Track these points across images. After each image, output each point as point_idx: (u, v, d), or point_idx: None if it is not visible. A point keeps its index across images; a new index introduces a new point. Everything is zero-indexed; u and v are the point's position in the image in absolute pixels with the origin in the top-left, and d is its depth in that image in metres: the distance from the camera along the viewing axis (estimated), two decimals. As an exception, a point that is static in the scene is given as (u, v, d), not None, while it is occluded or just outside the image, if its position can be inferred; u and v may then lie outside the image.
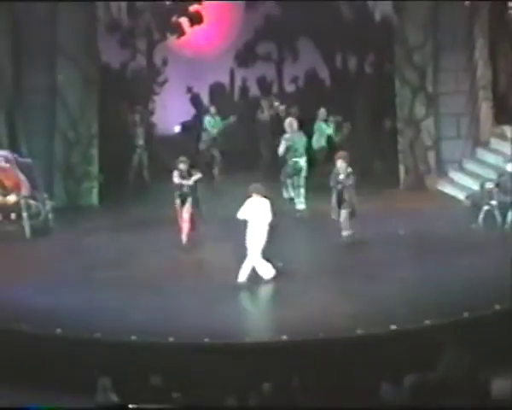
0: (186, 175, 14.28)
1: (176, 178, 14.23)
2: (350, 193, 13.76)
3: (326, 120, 18.79)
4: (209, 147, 19.07)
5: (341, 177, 13.81)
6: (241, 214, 12.46)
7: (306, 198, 15.84)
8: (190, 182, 14.23)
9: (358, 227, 13.81)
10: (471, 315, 10.69)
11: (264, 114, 19.84)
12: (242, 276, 12.34)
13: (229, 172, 18.45)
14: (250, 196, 12.51)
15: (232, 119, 19.10)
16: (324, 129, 18.68)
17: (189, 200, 14.23)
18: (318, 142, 18.49)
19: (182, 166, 14.30)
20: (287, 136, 16.13)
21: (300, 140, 16.23)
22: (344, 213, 13.73)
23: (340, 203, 13.80)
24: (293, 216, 15.59)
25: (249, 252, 12.34)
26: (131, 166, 18.95)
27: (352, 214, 13.78)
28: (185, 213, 14.18)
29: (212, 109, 19.65)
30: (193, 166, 14.59)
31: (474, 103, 18.07)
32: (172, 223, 14.50)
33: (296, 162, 15.99)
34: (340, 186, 13.80)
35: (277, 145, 16.49)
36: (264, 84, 22.18)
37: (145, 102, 21.21)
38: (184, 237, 14.19)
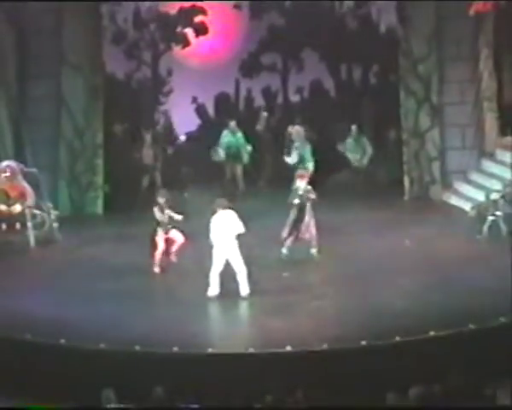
0: (165, 208, 13.58)
1: (157, 214, 13.59)
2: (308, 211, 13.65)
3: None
4: (228, 162, 18.43)
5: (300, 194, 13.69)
6: (212, 236, 12.34)
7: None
8: (166, 219, 13.49)
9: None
10: (476, 327, 10.65)
11: (259, 126, 19.84)
12: (244, 289, 12.35)
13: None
14: (215, 212, 12.48)
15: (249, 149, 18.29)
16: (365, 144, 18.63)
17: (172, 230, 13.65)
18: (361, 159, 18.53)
19: (160, 199, 13.69)
20: (297, 144, 16.29)
21: (308, 147, 16.61)
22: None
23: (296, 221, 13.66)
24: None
25: (234, 266, 12.31)
26: (140, 188, 18.43)
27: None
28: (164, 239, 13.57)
29: (233, 124, 18.70)
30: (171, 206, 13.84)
31: (479, 114, 18.06)
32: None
33: (306, 169, 16.01)
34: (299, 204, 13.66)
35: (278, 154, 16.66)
36: (269, 94, 22.21)
37: (150, 112, 21.27)
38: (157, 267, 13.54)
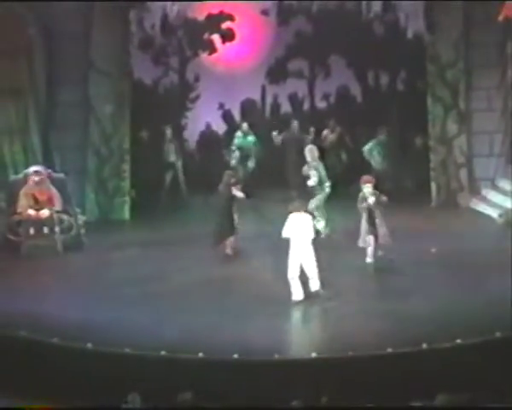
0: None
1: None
2: (379, 218, 13.40)
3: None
4: (241, 163, 18.84)
5: (370, 201, 13.41)
6: (285, 232, 12.33)
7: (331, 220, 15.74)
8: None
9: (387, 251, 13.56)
10: (503, 335, 10.57)
11: (288, 134, 19.38)
12: (297, 294, 12.32)
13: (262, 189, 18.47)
14: (291, 213, 12.43)
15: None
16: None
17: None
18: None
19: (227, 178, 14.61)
20: (314, 164, 15.53)
21: (322, 166, 15.72)
22: (371, 239, 13.41)
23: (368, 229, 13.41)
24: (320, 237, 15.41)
25: (307, 271, 12.30)
26: (164, 186, 18.92)
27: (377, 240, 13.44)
28: None
29: (245, 126, 19.42)
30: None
31: (507, 121, 17.95)
32: (205, 239, 14.56)
33: (324, 190, 15.55)
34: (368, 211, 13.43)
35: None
36: (296, 100, 22.23)
37: (177, 117, 21.37)
38: (229, 249, 14.40)
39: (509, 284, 12.17)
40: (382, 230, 13.33)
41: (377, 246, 13.41)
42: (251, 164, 18.86)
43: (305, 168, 15.61)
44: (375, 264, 13.37)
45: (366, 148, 18.98)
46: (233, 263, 14.29)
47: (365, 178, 13.88)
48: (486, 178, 17.95)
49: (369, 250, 13.43)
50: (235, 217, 14.52)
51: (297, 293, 12.28)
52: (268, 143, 19.25)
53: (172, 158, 18.99)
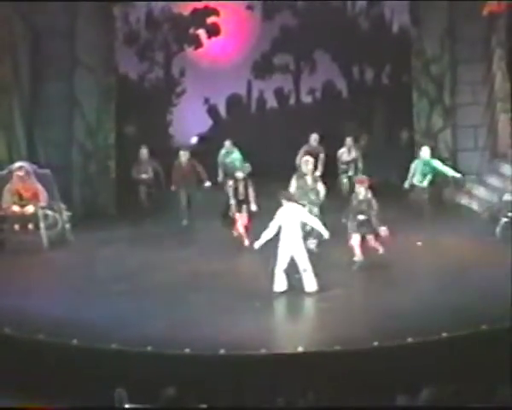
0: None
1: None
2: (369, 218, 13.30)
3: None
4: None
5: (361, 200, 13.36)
6: (275, 223, 12.29)
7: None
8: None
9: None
10: (489, 328, 10.61)
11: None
12: (279, 286, 12.30)
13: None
14: (282, 201, 12.45)
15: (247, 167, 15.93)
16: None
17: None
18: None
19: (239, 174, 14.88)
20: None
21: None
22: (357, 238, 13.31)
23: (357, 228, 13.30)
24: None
25: (299, 263, 12.28)
26: (139, 199, 17.79)
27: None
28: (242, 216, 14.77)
29: (227, 144, 18.31)
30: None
31: (491, 115, 18.01)
32: (191, 233, 14.59)
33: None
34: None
35: None
36: (282, 95, 22.23)
37: (163, 113, 21.33)
38: (246, 240, 14.50)
39: (495, 277, 12.23)
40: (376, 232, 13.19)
41: (366, 245, 13.31)
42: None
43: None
44: (361, 263, 13.29)
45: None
46: (219, 258, 14.28)
47: (360, 178, 13.87)
48: (471, 173, 18.00)
49: (356, 249, 13.31)
50: (250, 191, 14.79)
51: (279, 284, 12.26)
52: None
53: (148, 175, 17.66)
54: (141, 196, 17.75)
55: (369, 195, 13.42)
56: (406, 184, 16.38)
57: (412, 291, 12.25)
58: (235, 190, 14.89)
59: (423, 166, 16.30)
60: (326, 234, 12.62)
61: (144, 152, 17.62)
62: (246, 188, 14.87)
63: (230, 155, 18.10)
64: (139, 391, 8.99)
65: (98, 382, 9.83)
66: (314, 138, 17.90)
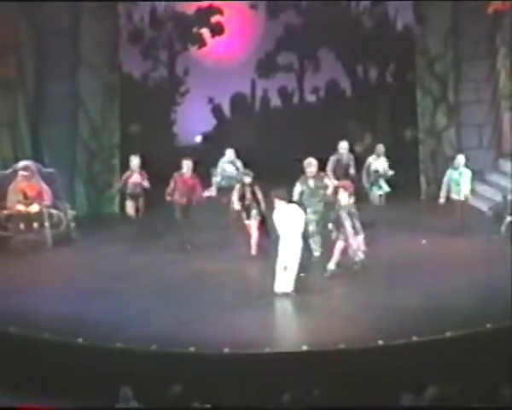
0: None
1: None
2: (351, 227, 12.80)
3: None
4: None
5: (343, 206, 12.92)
6: (280, 227, 12.19)
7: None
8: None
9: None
10: (493, 327, 10.61)
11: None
12: (280, 286, 12.27)
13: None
14: (275, 199, 12.35)
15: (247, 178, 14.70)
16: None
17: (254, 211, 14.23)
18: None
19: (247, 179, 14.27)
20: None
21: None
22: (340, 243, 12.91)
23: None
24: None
25: (279, 259, 12.24)
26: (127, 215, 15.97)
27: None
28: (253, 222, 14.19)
29: (229, 153, 16.56)
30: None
31: (496, 114, 18.00)
32: (196, 232, 14.59)
33: None
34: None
35: None
36: (286, 94, 22.22)
37: (167, 113, 21.32)
38: (254, 248, 14.12)
39: (500, 276, 12.22)
40: (355, 241, 12.80)
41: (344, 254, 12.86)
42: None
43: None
44: (334, 271, 12.98)
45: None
46: (224, 257, 14.29)
47: (344, 183, 13.46)
48: (476, 171, 17.95)
49: (334, 256, 12.97)
50: (259, 195, 14.11)
51: (281, 284, 12.26)
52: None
53: (137, 189, 15.60)
54: (127, 212, 15.73)
55: (352, 200, 13.04)
56: (442, 200, 14.98)
57: (417, 290, 12.24)
58: (242, 195, 14.29)
59: (459, 177, 14.92)
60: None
61: (135, 162, 15.59)
62: (253, 193, 14.24)
63: (232, 164, 16.46)
64: (144, 389, 9.01)
65: (103, 380, 9.85)
66: (342, 146, 16.02)
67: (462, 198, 14.88)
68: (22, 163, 16.04)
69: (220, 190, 16.35)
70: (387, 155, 16.63)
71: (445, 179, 15.12)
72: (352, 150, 16.61)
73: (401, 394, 8.45)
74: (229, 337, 10.61)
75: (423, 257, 13.86)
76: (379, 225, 14.29)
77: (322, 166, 14.31)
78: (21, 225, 15.45)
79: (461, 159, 15.08)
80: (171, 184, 14.79)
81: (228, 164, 16.57)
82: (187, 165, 14.79)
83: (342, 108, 21.50)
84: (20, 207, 15.53)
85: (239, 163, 16.43)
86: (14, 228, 15.42)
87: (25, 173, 15.70)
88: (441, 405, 8.08)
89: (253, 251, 14.10)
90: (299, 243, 12.31)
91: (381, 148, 16.23)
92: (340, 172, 15.73)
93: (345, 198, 12.95)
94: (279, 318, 12.11)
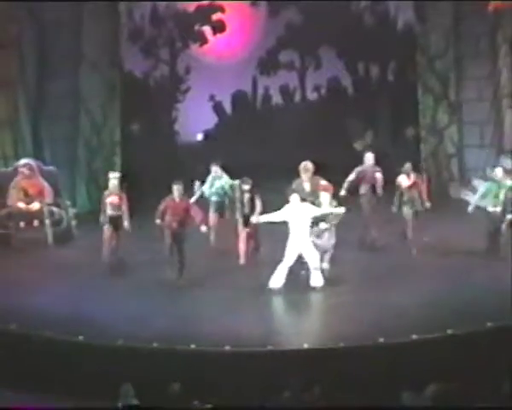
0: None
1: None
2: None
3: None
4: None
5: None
6: (279, 213, 12.21)
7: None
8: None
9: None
10: (493, 325, 10.60)
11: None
12: (275, 281, 12.28)
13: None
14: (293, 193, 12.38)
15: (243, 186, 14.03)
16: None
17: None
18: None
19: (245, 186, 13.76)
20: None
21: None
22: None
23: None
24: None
25: (308, 259, 12.24)
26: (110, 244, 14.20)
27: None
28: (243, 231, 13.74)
29: (214, 169, 14.97)
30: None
31: (497, 111, 17.98)
32: (196, 231, 14.54)
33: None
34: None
35: None
36: (287, 92, 22.22)
37: (169, 111, 21.30)
38: (242, 258, 13.74)
39: (501, 274, 12.21)
40: (330, 250, 12.75)
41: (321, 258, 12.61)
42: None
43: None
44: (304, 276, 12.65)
45: None
46: (224, 255, 14.27)
47: (324, 185, 13.15)
48: (477, 169, 17.97)
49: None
50: (258, 203, 13.55)
51: (276, 280, 12.25)
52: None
53: (115, 212, 14.01)
54: (104, 240, 13.88)
55: (334, 203, 12.85)
56: (470, 209, 14.03)
57: (417, 288, 12.24)
58: (241, 203, 13.78)
59: (497, 190, 13.89)
60: (342, 210, 12.50)
61: (114, 181, 14.11)
62: (252, 200, 13.68)
63: (218, 180, 14.95)
64: (145, 386, 9.01)
65: (104, 378, 9.86)
66: (368, 158, 14.90)
67: (499, 210, 14.01)
68: (23, 161, 16.06)
69: (216, 210, 14.96)
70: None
71: (483, 190, 14.35)
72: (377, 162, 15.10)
73: (401, 392, 8.45)
74: (230, 335, 10.61)
75: (424, 254, 13.85)
76: (380, 224, 14.28)
77: (318, 169, 13.90)
78: (22, 223, 15.47)
79: (499, 172, 14.14)
80: (162, 206, 13.35)
81: (216, 180, 15.06)
82: (178, 189, 13.22)
83: (343, 105, 21.49)
84: (21, 205, 15.54)
85: (226, 178, 15.00)
86: (14, 226, 15.42)
87: (26, 171, 15.71)
88: (441, 404, 8.08)
89: (242, 260, 13.73)
90: (309, 240, 12.28)
91: (408, 166, 14.79)
92: (366, 188, 14.83)
93: (326, 199, 12.77)
94: (280, 316, 12.11)
